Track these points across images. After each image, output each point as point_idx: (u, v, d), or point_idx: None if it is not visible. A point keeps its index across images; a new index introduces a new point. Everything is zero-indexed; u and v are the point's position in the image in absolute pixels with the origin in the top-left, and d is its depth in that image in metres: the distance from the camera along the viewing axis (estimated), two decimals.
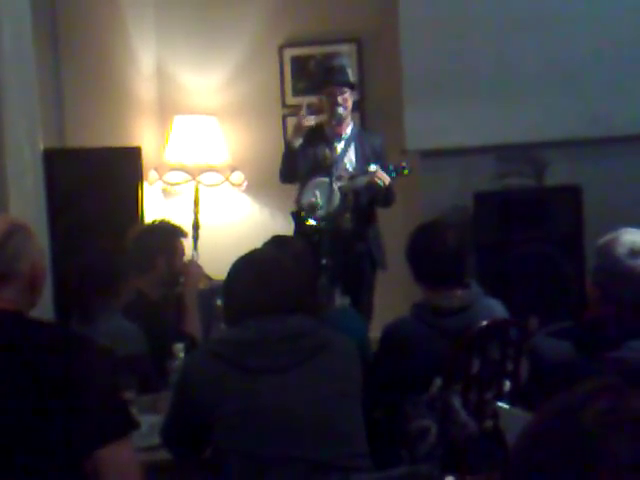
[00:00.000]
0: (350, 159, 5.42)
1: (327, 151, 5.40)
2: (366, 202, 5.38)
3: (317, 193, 5.34)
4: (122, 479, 2.36)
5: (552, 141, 5.86)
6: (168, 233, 4.30)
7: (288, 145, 5.58)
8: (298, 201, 5.47)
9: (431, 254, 3.72)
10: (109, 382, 2.41)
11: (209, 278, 4.89)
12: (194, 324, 4.18)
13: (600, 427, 1.09)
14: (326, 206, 5.30)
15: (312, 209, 5.31)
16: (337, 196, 5.32)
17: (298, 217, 5.35)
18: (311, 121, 5.50)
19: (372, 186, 5.24)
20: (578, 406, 1.13)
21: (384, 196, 5.35)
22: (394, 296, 5.67)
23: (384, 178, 5.19)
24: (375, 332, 4.17)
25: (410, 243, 3.81)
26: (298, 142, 5.46)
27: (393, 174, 5.23)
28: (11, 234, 2.44)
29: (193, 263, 4.59)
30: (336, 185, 5.31)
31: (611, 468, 1.07)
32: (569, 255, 5.55)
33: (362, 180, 5.29)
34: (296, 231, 5.33)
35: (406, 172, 5.29)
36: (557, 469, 1.09)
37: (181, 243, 4.33)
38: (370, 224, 5.50)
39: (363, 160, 5.39)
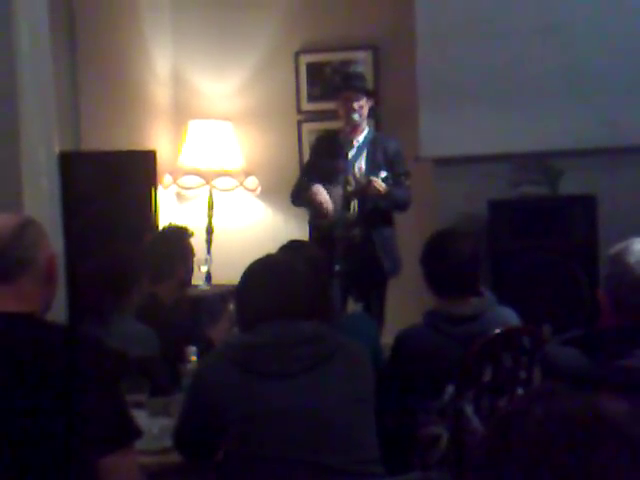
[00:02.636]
0: (360, 166, 5.40)
1: (339, 161, 5.39)
2: (371, 207, 5.34)
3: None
4: None
5: (567, 150, 5.85)
6: (182, 239, 4.31)
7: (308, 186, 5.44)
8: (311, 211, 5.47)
9: (445, 262, 3.71)
10: (113, 390, 2.37)
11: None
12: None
13: (539, 434, 1.14)
14: (336, 213, 5.29)
15: (321, 216, 5.31)
16: (344, 203, 5.30)
17: (313, 225, 5.38)
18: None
19: (370, 192, 5.23)
20: (516, 417, 1.17)
21: (389, 202, 5.32)
22: (407, 302, 5.66)
23: (379, 186, 5.18)
24: (387, 339, 4.16)
25: (424, 251, 3.81)
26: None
27: (390, 181, 5.22)
28: (25, 225, 2.43)
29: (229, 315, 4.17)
30: (340, 190, 5.29)
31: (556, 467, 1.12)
32: (583, 264, 5.54)
33: (359, 188, 5.28)
34: (311, 238, 5.34)
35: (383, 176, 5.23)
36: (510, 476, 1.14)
37: (191, 243, 4.35)
38: (377, 229, 5.43)
39: (373, 166, 5.36)
